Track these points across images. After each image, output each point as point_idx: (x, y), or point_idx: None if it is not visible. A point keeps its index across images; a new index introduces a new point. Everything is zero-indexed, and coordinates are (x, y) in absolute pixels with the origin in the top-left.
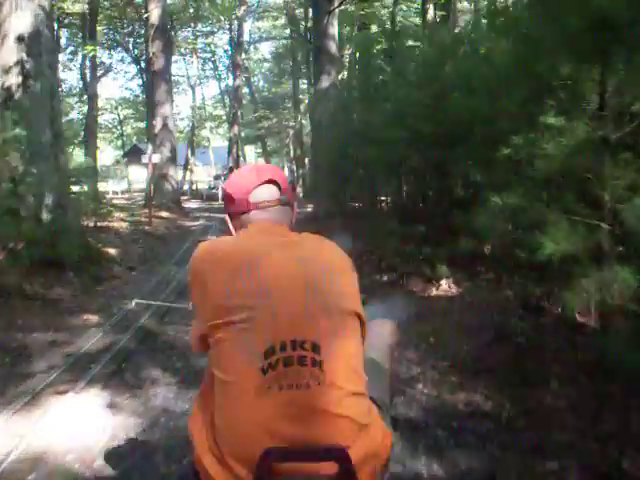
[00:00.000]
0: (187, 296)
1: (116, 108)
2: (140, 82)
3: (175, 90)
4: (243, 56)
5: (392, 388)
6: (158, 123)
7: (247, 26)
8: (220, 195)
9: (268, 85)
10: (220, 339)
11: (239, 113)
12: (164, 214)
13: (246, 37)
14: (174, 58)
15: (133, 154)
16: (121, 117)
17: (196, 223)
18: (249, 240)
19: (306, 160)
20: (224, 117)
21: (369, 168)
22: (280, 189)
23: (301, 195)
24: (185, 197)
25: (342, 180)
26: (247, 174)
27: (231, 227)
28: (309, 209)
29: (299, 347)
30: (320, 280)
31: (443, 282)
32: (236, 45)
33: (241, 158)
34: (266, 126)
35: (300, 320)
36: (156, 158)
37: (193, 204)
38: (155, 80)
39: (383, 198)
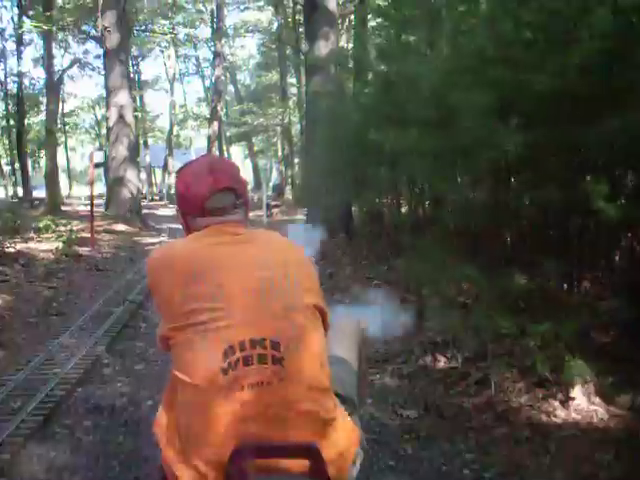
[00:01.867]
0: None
1: (92, 108)
2: None
3: (156, 88)
4: (225, 45)
5: (362, 387)
6: (112, 114)
7: (232, 16)
8: None
9: (254, 80)
10: (180, 341)
11: (220, 108)
12: (120, 227)
13: (229, 28)
14: (153, 53)
15: None
16: (98, 117)
17: (157, 240)
18: (202, 242)
19: (295, 160)
20: (208, 116)
21: (409, 162)
22: (237, 194)
23: (290, 198)
24: (161, 202)
25: (355, 181)
26: (202, 177)
27: (184, 226)
28: (299, 217)
29: (258, 345)
30: (276, 276)
31: (577, 391)
32: (215, 31)
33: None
34: (251, 122)
35: (258, 318)
36: (98, 156)
37: (167, 210)
38: (108, 62)
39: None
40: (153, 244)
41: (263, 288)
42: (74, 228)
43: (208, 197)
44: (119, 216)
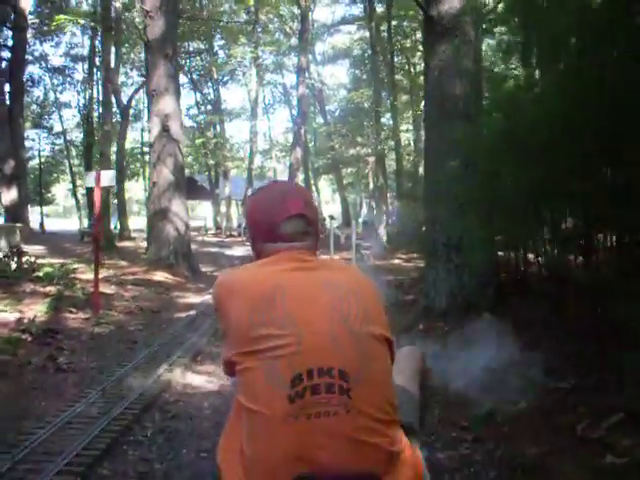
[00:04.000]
0: None
1: None
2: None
3: (243, 119)
4: (313, 73)
5: (422, 414)
6: (154, 126)
7: (323, 12)
8: None
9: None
10: (246, 368)
11: (303, 131)
12: (158, 276)
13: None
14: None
15: (188, 187)
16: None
17: (199, 299)
18: (271, 268)
19: (389, 195)
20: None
21: None
22: (309, 221)
23: (384, 241)
24: (239, 238)
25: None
26: (275, 203)
27: (253, 251)
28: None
29: (326, 374)
30: (346, 305)
31: None
32: (299, 41)
33: (314, 192)
34: (339, 148)
35: (327, 347)
36: (107, 178)
37: (241, 249)
38: (150, 57)
39: None
40: (193, 306)
41: (332, 317)
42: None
43: (279, 223)
44: (160, 260)
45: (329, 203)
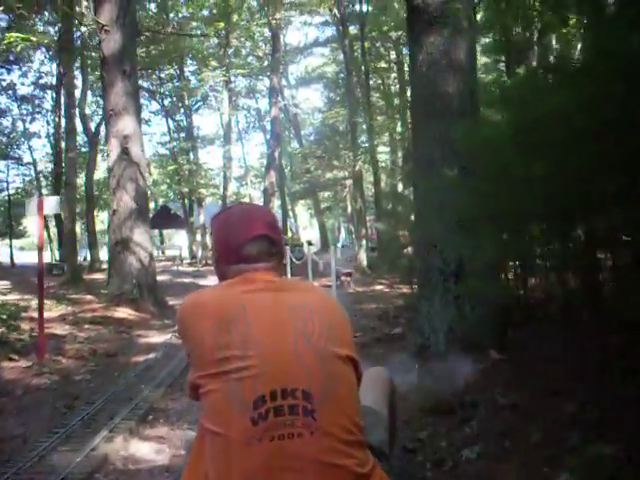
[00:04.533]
0: None
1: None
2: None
3: (217, 144)
4: (287, 98)
5: (392, 436)
6: (113, 148)
7: (295, 35)
8: None
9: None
10: (209, 390)
11: (277, 154)
12: (120, 312)
13: (293, 77)
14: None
15: (160, 216)
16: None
17: (165, 338)
18: (235, 289)
19: (367, 218)
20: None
21: None
22: (272, 242)
23: (365, 266)
24: (210, 267)
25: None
26: (238, 224)
27: (217, 273)
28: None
29: (290, 396)
30: (310, 325)
31: None
32: (271, 61)
33: (290, 219)
34: (315, 171)
35: (290, 368)
36: (50, 205)
37: (212, 280)
38: (106, 74)
39: None
40: (155, 347)
41: (295, 337)
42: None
43: (243, 244)
44: (123, 295)
45: (307, 228)
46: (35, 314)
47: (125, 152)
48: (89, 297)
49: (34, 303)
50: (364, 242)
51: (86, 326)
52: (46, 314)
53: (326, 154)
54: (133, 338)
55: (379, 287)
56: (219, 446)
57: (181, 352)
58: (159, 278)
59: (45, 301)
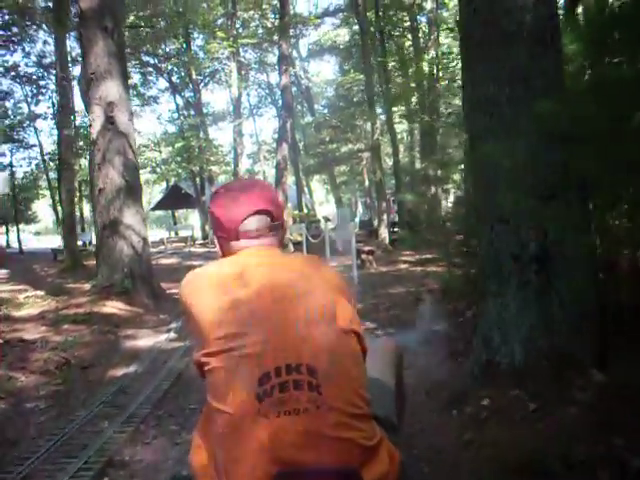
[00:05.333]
0: None
1: (157, 144)
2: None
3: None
4: (299, 70)
5: (400, 407)
6: (96, 117)
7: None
8: None
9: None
10: (214, 368)
11: (290, 126)
12: (108, 307)
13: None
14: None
15: (172, 196)
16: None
17: (157, 339)
18: (236, 266)
19: (388, 192)
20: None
21: None
22: (272, 216)
23: (385, 239)
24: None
25: None
26: (237, 200)
27: (219, 251)
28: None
29: (294, 371)
30: (312, 300)
31: None
32: (280, 26)
33: (306, 194)
34: (328, 139)
35: (294, 343)
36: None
37: None
38: (85, 31)
39: None
40: (141, 353)
41: (298, 313)
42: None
43: (242, 220)
44: (113, 286)
45: (323, 204)
46: (15, 312)
47: (110, 121)
48: (87, 286)
49: (22, 297)
50: (385, 217)
51: (66, 326)
52: (26, 311)
53: (341, 124)
54: (119, 340)
55: (404, 265)
56: (225, 424)
57: (170, 362)
58: (167, 261)
59: (33, 293)
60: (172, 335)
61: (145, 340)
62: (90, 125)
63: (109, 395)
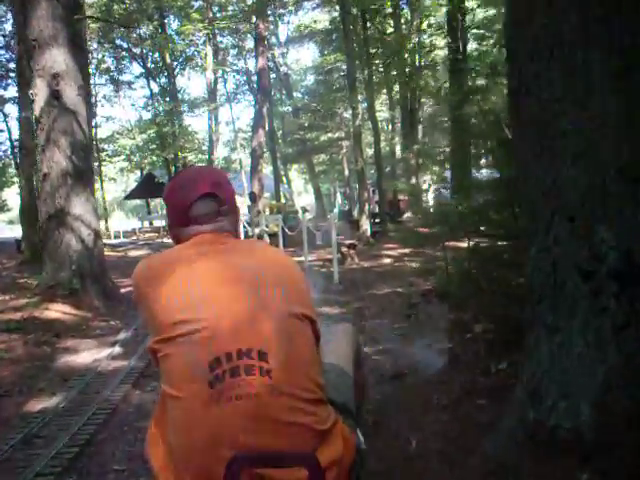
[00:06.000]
0: None
1: (130, 131)
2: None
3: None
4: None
5: (360, 392)
6: (39, 91)
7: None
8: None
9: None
10: (166, 355)
11: (266, 110)
12: (52, 310)
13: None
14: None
15: (145, 185)
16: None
17: (103, 353)
18: (186, 252)
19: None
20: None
21: None
22: (220, 201)
23: (368, 235)
24: None
25: None
26: (185, 185)
27: (173, 239)
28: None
29: (245, 356)
30: (264, 285)
31: None
32: (257, 2)
33: (284, 184)
34: (307, 124)
35: (244, 328)
36: None
37: None
38: None
39: None
40: (74, 374)
41: (249, 298)
42: None
43: (190, 205)
44: (58, 287)
45: (301, 194)
46: None
47: (55, 96)
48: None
49: None
50: (367, 207)
51: None
52: None
53: (322, 107)
54: (55, 355)
55: (387, 260)
56: (179, 410)
57: (105, 391)
58: (137, 253)
59: None
60: (117, 350)
61: (85, 355)
62: (32, 101)
63: (11, 444)
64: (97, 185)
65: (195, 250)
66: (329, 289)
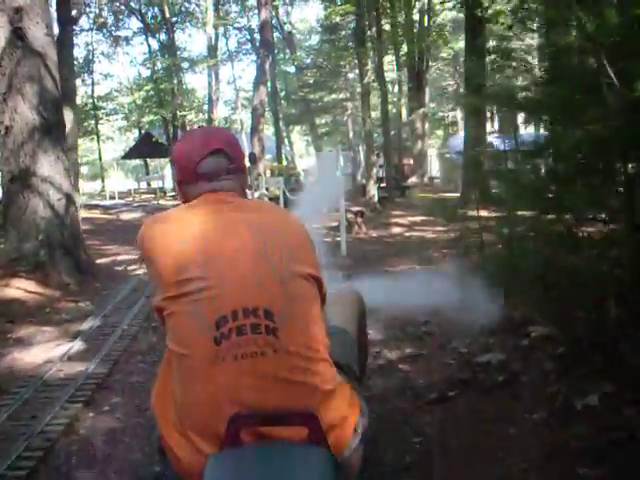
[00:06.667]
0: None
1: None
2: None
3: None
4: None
5: (362, 355)
6: (0, 29)
7: None
8: None
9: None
10: (173, 312)
11: (268, 67)
12: (15, 289)
13: None
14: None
15: (143, 144)
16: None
17: (61, 350)
18: (194, 211)
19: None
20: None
21: None
22: (229, 158)
23: (375, 201)
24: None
25: None
26: (195, 142)
27: (181, 197)
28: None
29: (251, 315)
30: (271, 245)
31: None
32: None
33: (285, 146)
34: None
35: (251, 287)
36: None
37: None
38: None
39: None
40: (20, 380)
41: (255, 257)
42: None
43: (199, 161)
44: (22, 259)
45: (303, 156)
46: None
47: (19, 35)
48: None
49: None
50: (374, 172)
51: None
52: None
53: (328, 63)
54: (2, 349)
55: (397, 229)
56: (184, 367)
57: (49, 411)
58: (129, 216)
59: None
60: (77, 345)
61: (36, 352)
62: None
63: None
64: (94, 144)
65: (201, 209)
66: (335, 263)
